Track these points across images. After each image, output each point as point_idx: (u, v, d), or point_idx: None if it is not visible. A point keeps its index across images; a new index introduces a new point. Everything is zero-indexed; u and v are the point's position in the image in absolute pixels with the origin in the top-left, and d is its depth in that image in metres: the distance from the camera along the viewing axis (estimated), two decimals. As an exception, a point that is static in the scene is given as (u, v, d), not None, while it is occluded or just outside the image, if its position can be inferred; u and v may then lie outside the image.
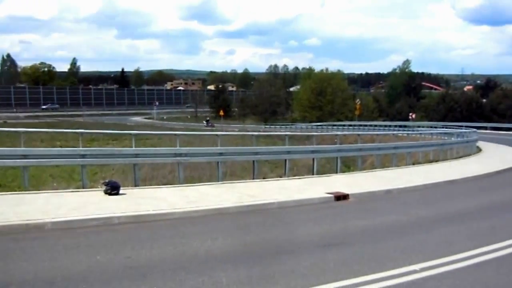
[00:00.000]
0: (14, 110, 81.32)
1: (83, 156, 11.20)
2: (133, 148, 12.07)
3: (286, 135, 16.48)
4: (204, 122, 59.21)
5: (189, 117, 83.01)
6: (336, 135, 20.45)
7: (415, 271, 6.07)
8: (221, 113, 66.98)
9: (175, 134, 13.07)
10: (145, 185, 11.81)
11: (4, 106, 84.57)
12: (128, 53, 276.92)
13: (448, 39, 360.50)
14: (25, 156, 10.56)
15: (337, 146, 16.23)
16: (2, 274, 5.67)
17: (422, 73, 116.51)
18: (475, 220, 9.45)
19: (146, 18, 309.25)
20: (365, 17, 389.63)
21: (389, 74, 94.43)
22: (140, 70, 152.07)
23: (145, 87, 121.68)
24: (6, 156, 10.66)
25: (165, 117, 78.80)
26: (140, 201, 9.71)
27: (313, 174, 14.48)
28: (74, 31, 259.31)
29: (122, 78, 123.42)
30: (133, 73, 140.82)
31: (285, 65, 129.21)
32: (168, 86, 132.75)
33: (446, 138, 25.91)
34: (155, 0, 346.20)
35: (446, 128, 32.76)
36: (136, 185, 11.56)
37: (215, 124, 56.16)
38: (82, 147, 12.19)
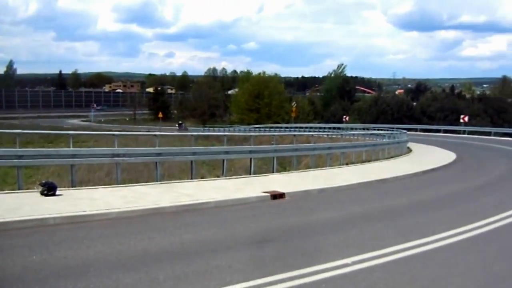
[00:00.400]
0: None
1: (20, 157, 10.77)
2: (70, 149, 11.74)
3: (224, 135, 16.59)
4: (177, 125, 57.75)
5: (127, 119, 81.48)
6: (273, 135, 20.74)
7: (347, 265, 6.36)
8: (160, 115, 66.25)
9: (113, 134, 12.84)
10: (82, 186, 11.56)
11: None
12: (66, 55, 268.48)
13: (381, 44, 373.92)
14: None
15: (274, 146, 16.50)
16: None
17: (356, 77, 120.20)
18: (404, 216, 9.94)
19: (84, 21, 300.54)
20: (301, 22, 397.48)
21: (324, 77, 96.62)
22: (78, 72, 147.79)
23: (83, 89, 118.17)
24: None
25: (102, 120, 77.15)
26: (77, 201, 9.50)
27: (250, 174, 14.67)
28: (11, 34, 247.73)
29: (59, 80, 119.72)
30: (70, 75, 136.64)
31: (223, 68, 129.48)
32: (107, 88, 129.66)
33: (378, 139, 26.89)
34: (94, 3, 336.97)
35: (378, 130, 33.93)
36: (73, 186, 11.29)
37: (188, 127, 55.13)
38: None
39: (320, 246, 7.32)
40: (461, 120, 48.70)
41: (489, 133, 45.61)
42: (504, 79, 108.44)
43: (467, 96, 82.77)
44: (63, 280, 5.43)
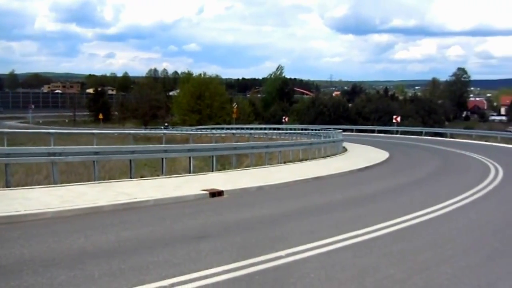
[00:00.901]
0: None
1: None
2: (5, 147, 11.33)
3: (163, 133, 16.52)
4: (163, 127, 55.83)
5: (67, 121, 79.03)
6: (212, 134, 20.82)
7: (281, 257, 6.56)
8: (101, 116, 64.65)
9: (49, 133, 12.52)
10: (18, 186, 11.21)
11: None
12: (2, 55, 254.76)
13: (318, 47, 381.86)
14: None
15: (213, 145, 16.61)
16: None
17: (295, 79, 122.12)
18: (338, 211, 10.33)
19: (21, 20, 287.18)
20: (241, 24, 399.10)
21: (264, 79, 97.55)
22: (15, 73, 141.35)
23: (20, 90, 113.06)
24: None
25: (41, 121, 74.41)
26: (11, 201, 9.25)
27: (189, 173, 14.69)
28: None
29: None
30: (7, 76, 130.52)
31: (164, 69, 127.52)
32: (45, 89, 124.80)
33: (315, 138, 27.53)
34: (31, 1, 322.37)
35: (315, 130, 34.77)
36: (7, 186, 10.93)
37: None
38: None
39: (257, 240, 7.49)
40: (394, 121, 50.66)
41: (420, 133, 47.78)
42: (434, 81, 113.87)
43: (400, 98, 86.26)
44: None
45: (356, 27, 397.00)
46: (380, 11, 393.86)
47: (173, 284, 5.38)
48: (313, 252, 6.90)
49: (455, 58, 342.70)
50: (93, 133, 13.44)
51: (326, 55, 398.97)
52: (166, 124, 60.17)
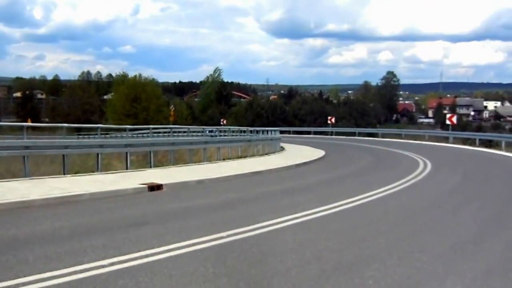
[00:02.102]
0: None
1: None
2: None
3: (98, 127, 16.16)
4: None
5: None
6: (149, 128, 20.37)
7: (222, 237, 6.61)
8: (29, 122, 61.93)
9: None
10: None
11: None
12: None
13: (255, 51, 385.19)
14: None
15: (151, 140, 16.40)
16: None
17: (232, 82, 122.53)
18: (277, 199, 10.48)
19: None
20: (177, 26, 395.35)
21: (201, 82, 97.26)
22: None
23: None
24: None
25: None
26: None
27: (127, 169, 14.40)
28: None
29: None
30: None
31: (98, 72, 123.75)
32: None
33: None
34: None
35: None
36: None
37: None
38: None
39: (197, 225, 7.49)
40: (329, 122, 51.90)
41: (354, 134, 49.24)
42: (366, 85, 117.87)
43: (334, 101, 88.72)
44: None
45: (291, 31, 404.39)
46: (315, 16, 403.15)
47: (112, 263, 5.29)
48: (254, 232, 7.00)
49: (385, 63, 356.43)
50: (22, 126, 12.73)
51: (263, 58, 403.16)
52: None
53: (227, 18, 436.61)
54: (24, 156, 11.93)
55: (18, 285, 4.54)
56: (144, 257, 5.56)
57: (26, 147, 12.05)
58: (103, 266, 5.18)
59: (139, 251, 5.80)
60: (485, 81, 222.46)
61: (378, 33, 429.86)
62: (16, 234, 6.76)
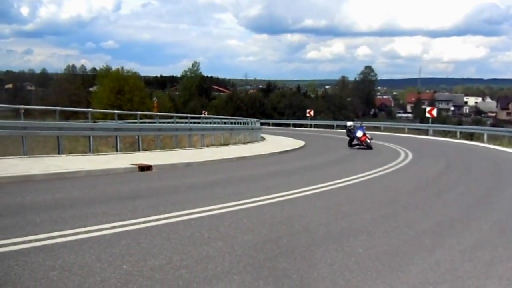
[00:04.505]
0: None
1: None
2: None
3: (89, 111, 16.51)
4: None
5: None
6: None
7: (213, 209, 6.97)
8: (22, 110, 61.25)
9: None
10: None
11: None
12: None
13: (233, 46, 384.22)
14: None
15: (138, 125, 16.73)
16: None
17: (211, 76, 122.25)
18: (263, 180, 10.88)
19: None
20: (158, 22, 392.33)
21: (182, 76, 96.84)
22: None
23: None
24: None
25: None
26: None
27: (117, 151, 14.70)
28: None
29: None
30: None
31: (83, 66, 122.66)
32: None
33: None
34: None
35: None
36: None
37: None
38: None
39: (190, 199, 7.85)
40: (307, 114, 52.39)
41: (332, 126, 49.82)
42: (343, 80, 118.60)
43: (312, 95, 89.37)
44: None
45: (269, 26, 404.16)
46: (293, 11, 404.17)
47: (114, 227, 5.63)
48: (243, 206, 7.39)
49: (363, 58, 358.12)
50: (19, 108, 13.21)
51: (241, 54, 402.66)
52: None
53: (206, 14, 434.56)
54: (22, 136, 12.42)
55: (31, 241, 4.88)
56: (142, 223, 5.92)
57: (24, 128, 12.56)
58: (105, 229, 5.52)
59: (137, 218, 6.16)
60: (465, 77, 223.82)
61: (356, 29, 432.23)
62: (22, 201, 7.09)
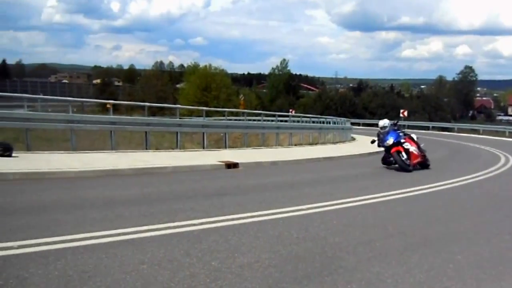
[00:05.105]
0: None
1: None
2: (25, 112, 11.56)
3: (177, 107, 16.88)
4: None
5: (75, 109, 79.19)
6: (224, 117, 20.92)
7: (302, 209, 6.75)
8: (108, 106, 64.87)
9: (68, 101, 12.61)
10: (38, 150, 11.38)
11: None
12: (9, 45, 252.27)
13: (324, 43, 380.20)
14: None
15: (226, 122, 16.90)
16: None
17: (300, 74, 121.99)
18: (353, 181, 10.54)
19: (29, 10, 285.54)
20: (248, 18, 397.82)
21: (269, 74, 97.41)
22: (22, 63, 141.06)
23: (28, 79, 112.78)
24: None
25: (50, 110, 74.71)
26: (35, 162, 9.39)
27: (203, 148, 14.89)
28: None
29: (3, 70, 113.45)
30: (14, 65, 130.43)
31: (170, 62, 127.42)
32: (52, 79, 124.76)
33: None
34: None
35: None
36: (28, 150, 11.09)
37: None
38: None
39: (278, 198, 7.69)
40: (401, 115, 50.59)
41: (427, 128, 47.80)
42: (440, 79, 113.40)
43: (406, 95, 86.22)
44: (25, 216, 5.63)
45: (363, 23, 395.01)
46: (388, 8, 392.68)
47: (202, 223, 5.57)
48: (333, 207, 7.10)
49: (462, 57, 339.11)
50: (109, 103, 13.66)
51: (332, 51, 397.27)
52: None
53: (297, 11, 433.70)
54: (111, 131, 12.79)
55: (119, 234, 4.91)
56: (230, 220, 5.81)
57: (113, 123, 12.89)
58: (193, 225, 5.46)
59: (224, 215, 6.06)
60: None
61: (456, 27, 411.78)
62: (111, 195, 7.25)
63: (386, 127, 13.38)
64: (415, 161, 12.81)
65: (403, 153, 12.50)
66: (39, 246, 4.32)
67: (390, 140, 12.67)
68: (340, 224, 6.05)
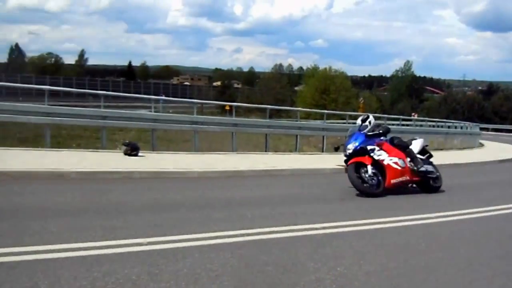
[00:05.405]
0: (20, 99, 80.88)
1: (104, 117, 11.31)
2: (152, 113, 12.27)
3: (298, 110, 16.92)
4: None
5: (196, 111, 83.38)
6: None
7: (429, 218, 6.42)
8: (227, 107, 67.27)
9: (192, 102, 13.19)
10: (161, 151, 12.03)
11: (10, 95, 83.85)
12: (135, 47, 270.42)
13: (451, 44, 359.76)
14: (48, 114, 10.64)
15: (347, 126, 16.49)
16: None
17: (424, 77, 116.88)
18: (480, 190, 10.02)
19: (156, 14, 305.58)
20: (370, 19, 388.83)
21: (391, 77, 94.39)
22: (147, 64, 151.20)
23: (152, 80, 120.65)
24: (30, 112, 10.61)
25: (171, 111, 79.15)
26: (159, 161, 9.94)
27: (322, 151, 14.81)
28: (83, 24, 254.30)
29: (129, 71, 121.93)
30: (139, 67, 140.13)
31: (290, 65, 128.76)
32: (174, 81, 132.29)
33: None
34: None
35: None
36: (153, 150, 11.76)
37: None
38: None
39: (402, 205, 7.53)
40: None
41: None
42: None
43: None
44: (151, 214, 5.94)
45: (495, 23, 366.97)
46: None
47: (324, 227, 5.49)
48: (463, 217, 6.78)
49: None
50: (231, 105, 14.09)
51: (460, 53, 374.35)
52: None
53: (424, 11, 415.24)
54: (232, 133, 13.15)
55: (243, 234, 4.99)
56: (352, 226, 5.70)
57: (235, 125, 13.29)
58: (316, 229, 5.41)
59: (345, 220, 5.92)
60: None
61: None
62: (233, 196, 7.42)
63: (364, 125, 8.91)
64: (393, 180, 8.35)
65: (369, 168, 8.20)
66: (167, 243, 4.50)
67: (351, 146, 8.57)
68: (472, 235, 5.71)
